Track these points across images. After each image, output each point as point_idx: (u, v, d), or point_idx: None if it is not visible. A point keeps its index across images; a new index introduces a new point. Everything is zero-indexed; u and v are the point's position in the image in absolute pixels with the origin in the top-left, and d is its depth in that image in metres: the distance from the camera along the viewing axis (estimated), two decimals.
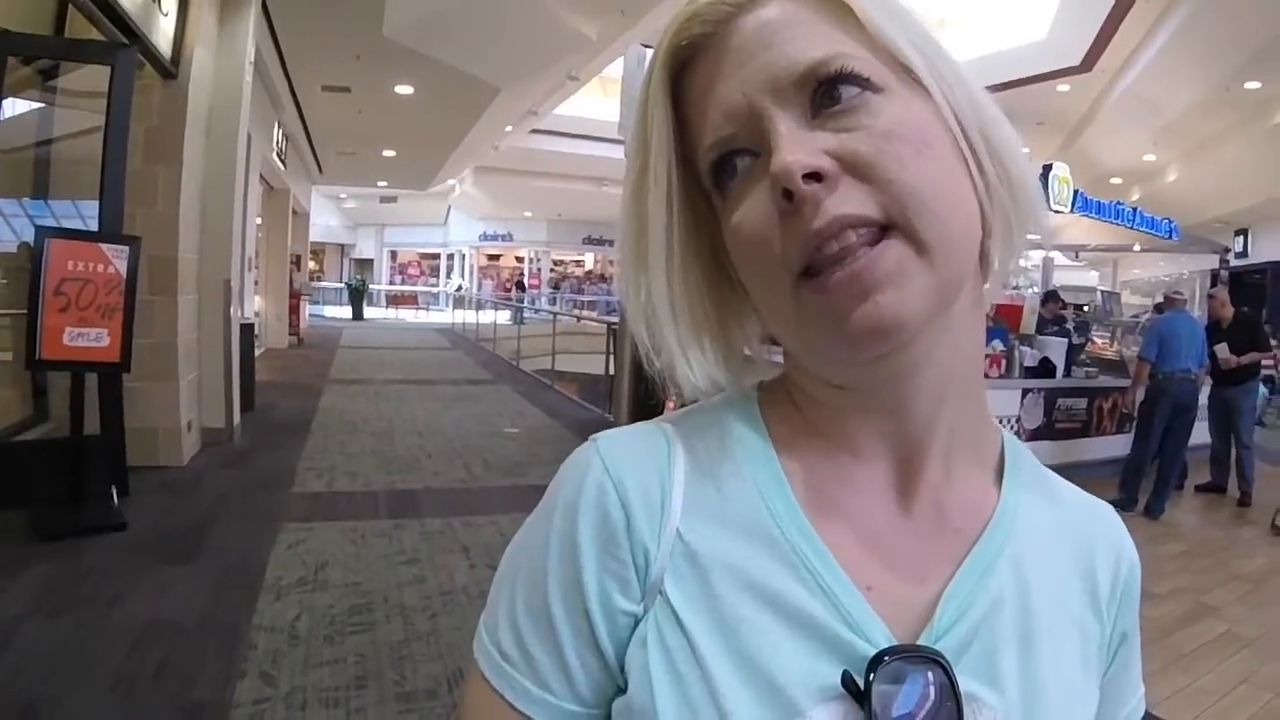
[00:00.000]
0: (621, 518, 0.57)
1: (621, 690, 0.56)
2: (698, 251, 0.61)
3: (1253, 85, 12.60)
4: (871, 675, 0.51)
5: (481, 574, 4.54)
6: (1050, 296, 10.30)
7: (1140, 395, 7.18)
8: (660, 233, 0.58)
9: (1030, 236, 0.59)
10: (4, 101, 4.96)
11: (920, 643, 0.54)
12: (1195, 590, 5.12)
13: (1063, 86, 15.22)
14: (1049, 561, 0.61)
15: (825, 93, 0.52)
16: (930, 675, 0.52)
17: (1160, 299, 8.17)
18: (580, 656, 0.57)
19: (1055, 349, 8.53)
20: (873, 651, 0.52)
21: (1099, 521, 0.67)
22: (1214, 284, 17.11)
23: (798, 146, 0.50)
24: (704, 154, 0.57)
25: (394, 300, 36.38)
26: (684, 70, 0.57)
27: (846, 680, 0.51)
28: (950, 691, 0.52)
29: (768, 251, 0.53)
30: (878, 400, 0.58)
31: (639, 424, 0.64)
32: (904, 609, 0.56)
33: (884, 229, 0.50)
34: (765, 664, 0.53)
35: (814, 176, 0.50)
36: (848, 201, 0.50)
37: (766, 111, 0.53)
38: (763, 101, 0.53)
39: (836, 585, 0.55)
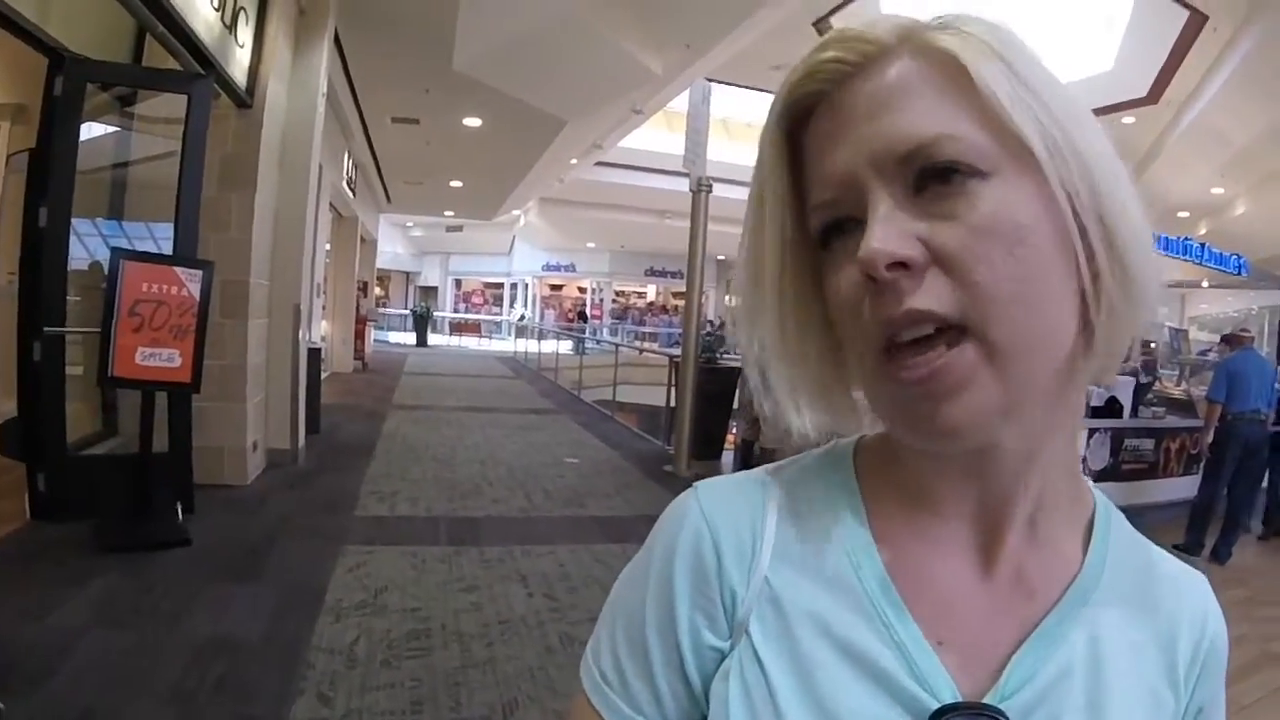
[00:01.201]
0: (714, 561, 0.62)
1: (703, 718, 0.61)
2: (811, 301, 0.61)
3: None
4: None
5: (539, 603, 4.52)
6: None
7: (1210, 437, 6.98)
8: (773, 281, 0.60)
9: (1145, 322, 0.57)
10: (82, 125, 5.10)
11: (986, 702, 0.55)
12: (1259, 639, 4.94)
13: (1128, 119, 14.96)
14: (1128, 630, 0.61)
15: (930, 174, 0.52)
16: None
17: (1228, 335, 7.93)
18: (670, 684, 0.62)
19: (1123, 388, 8.36)
20: (936, 705, 0.54)
21: (1187, 591, 0.66)
22: None
23: (889, 234, 0.51)
24: (813, 210, 0.58)
25: (457, 328, 36.78)
26: (802, 123, 0.58)
27: None
28: None
29: (857, 320, 0.54)
30: (960, 465, 0.59)
31: (739, 474, 0.68)
32: (973, 668, 0.57)
33: (961, 330, 0.51)
34: (834, 706, 0.56)
35: (901, 265, 0.50)
36: (926, 296, 0.51)
37: (868, 185, 0.53)
38: (866, 174, 0.53)
39: (908, 639, 0.57)
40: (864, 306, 0.53)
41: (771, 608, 0.60)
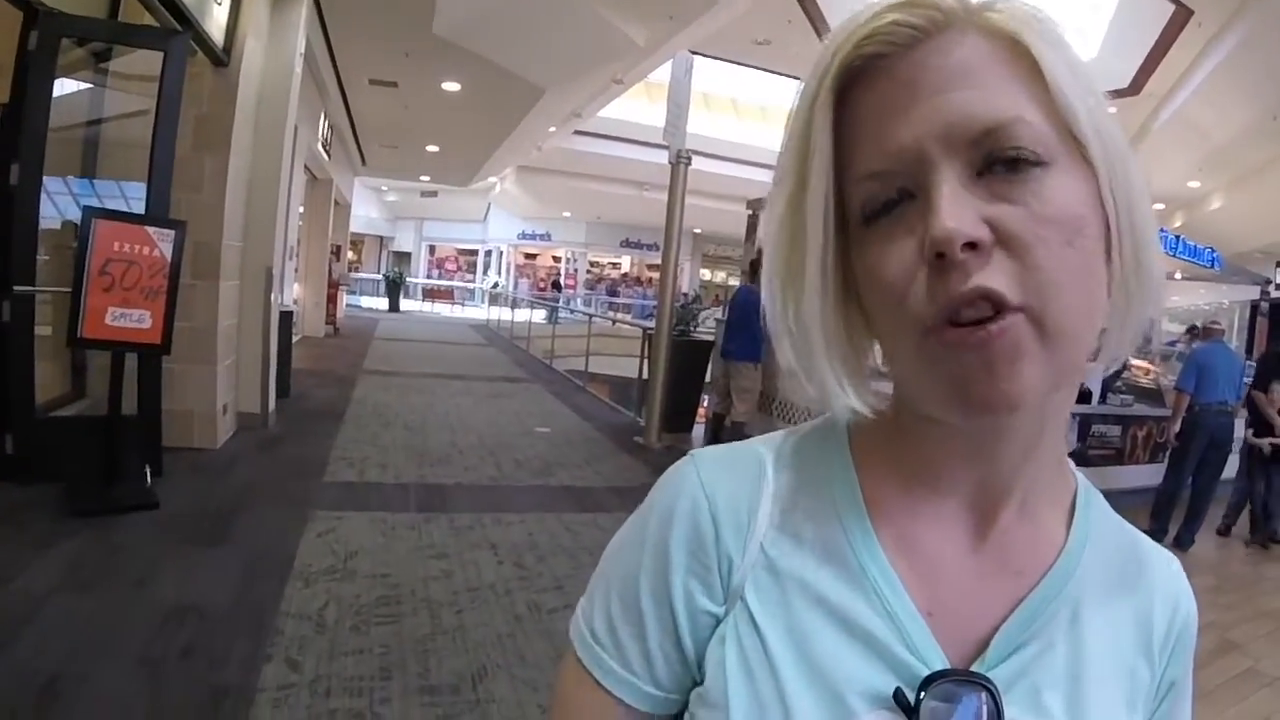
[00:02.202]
0: (710, 530, 0.63)
1: (698, 682, 0.63)
2: (844, 273, 0.60)
3: None
4: (922, 693, 0.55)
5: (508, 571, 4.54)
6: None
7: (1177, 427, 7.06)
8: (817, 254, 0.58)
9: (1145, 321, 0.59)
10: (56, 82, 5.02)
11: (974, 670, 0.58)
12: (1221, 626, 5.07)
13: (1109, 109, 15.02)
14: (1107, 606, 0.64)
15: (997, 159, 0.52)
16: (983, 700, 0.56)
17: (1192, 326, 7.99)
18: (662, 647, 0.63)
19: (1093, 375, 8.40)
20: (926, 671, 0.56)
21: (1162, 571, 0.69)
22: (1254, 316, 16.88)
23: (960, 212, 0.50)
24: (858, 180, 0.56)
25: (430, 294, 36.59)
26: (849, 87, 0.56)
27: (898, 695, 0.56)
28: (997, 717, 0.56)
29: (904, 299, 0.53)
30: (969, 443, 0.60)
31: (736, 444, 0.70)
32: (960, 639, 0.59)
33: (1018, 311, 0.51)
34: (828, 670, 0.58)
35: (970, 245, 0.50)
36: (992, 275, 0.50)
37: (933, 161, 0.52)
38: (932, 150, 0.52)
39: (900, 609, 0.59)
40: (915, 287, 0.52)
41: (768, 575, 0.61)
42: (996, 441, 0.59)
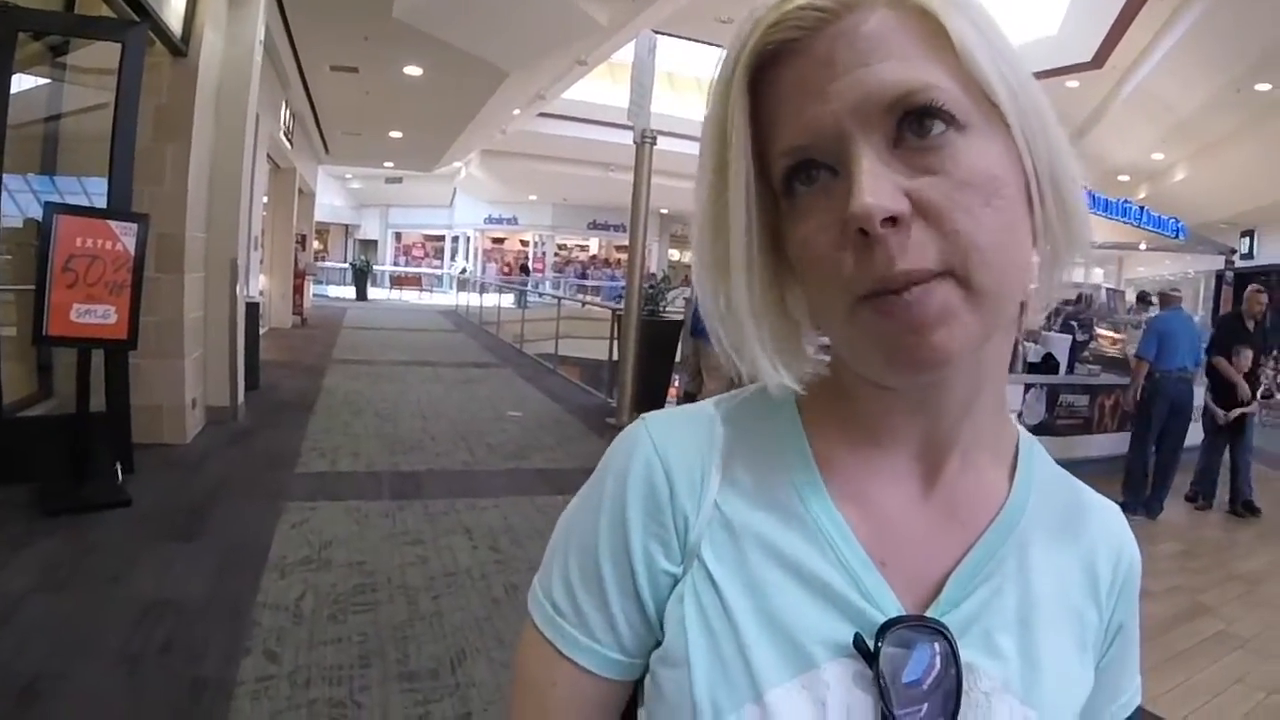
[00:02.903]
0: (665, 489, 0.64)
1: (659, 643, 0.63)
2: (771, 252, 0.61)
3: (1263, 87, 12.50)
4: (880, 639, 0.57)
5: (484, 555, 4.56)
6: (1080, 298, 10.39)
7: (1136, 394, 7.11)
8: (741, 236, 0.59)
9: (1080, 258, 0.62)
10: (13, 77, 4.95)
11: (927, 615, 0.59)
12: (1191, 589, 5.15)
13: (1072, 83, 15.14)
14: (1052, 552, 0.65)
15: (911, 125, 0.53)
16: (936, 646, 0.58)
17: (1144, 292, 8.06)
18: (624, 610, 0.64)
19: (1059, 345, 8.53)
20: (883, 619, 0.58)
21: (1103, 518, 0.71)
22: (1219, 285, 17.08)
23: (879, 187, 0.51)
24: (778, 157, 0.57)
25: (398, 281, 36.35)
26: (765, 69, 0.57)
27: (858, 642, 0.57)
28: (952, 660, 0.57)
29: (834, 272, 0.54)
30: (910, 400, 0.62)
31: (685, 406, 0.71)
32: (913, 587, 0.61)
33: (944, 275, 0.52)
34: (787, 622, 0.59)
35: (890, 220, 0.51)
36: (914, 254, 0.52)
37: (850, 135, 0.53)
38: (847, 123, 0.53)
39: (854, 560, 0.60)
40: (842, 260, 0.53)
41: (723, 532, 0.62)
42: (936, 396, 0.61)
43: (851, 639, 0.57)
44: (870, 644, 0.57)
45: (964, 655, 0.58)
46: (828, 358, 0.67)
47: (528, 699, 0.68)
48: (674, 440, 0.66)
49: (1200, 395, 7.49)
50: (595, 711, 0.67)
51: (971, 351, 0.55)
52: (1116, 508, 0.73)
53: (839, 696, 0.57)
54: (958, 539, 0.63)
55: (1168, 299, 7.48)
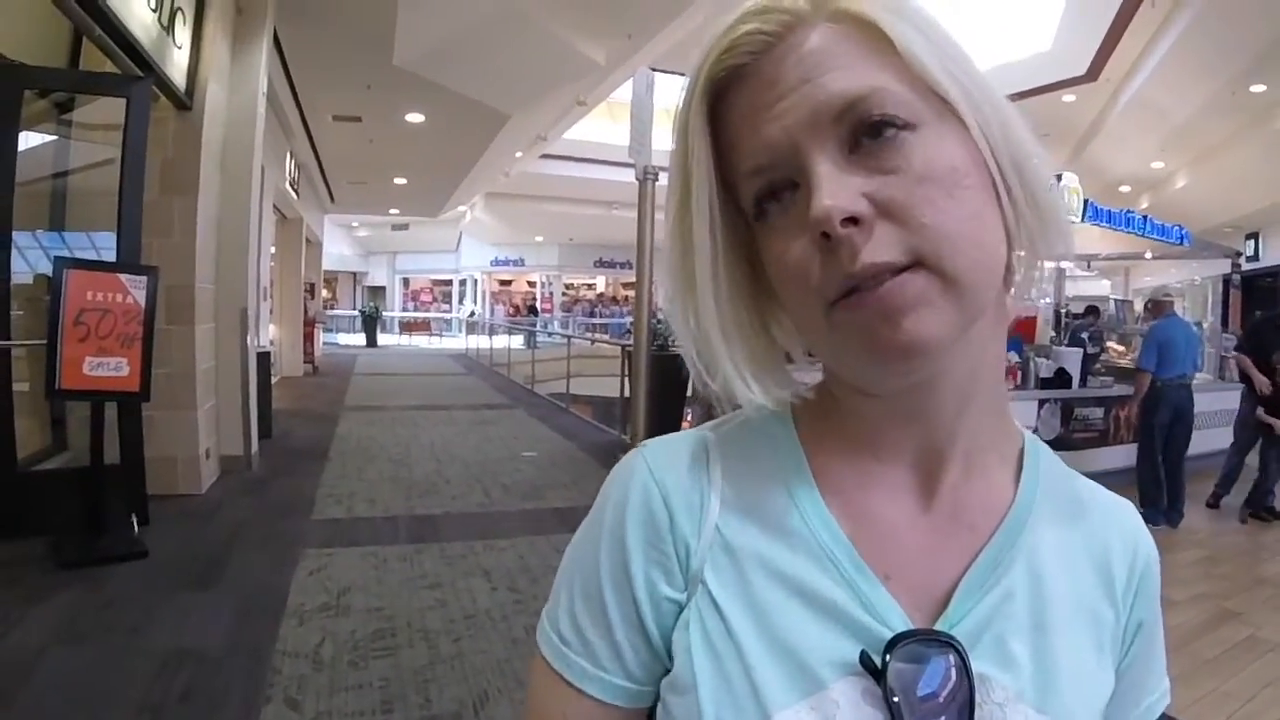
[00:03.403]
0: (665, 517, 0.64)
1: (668, 670, 0.63)
2: (742, 272, 0.63)
3: (1258, 89, 12.53)
4: (888, 655, 0.56)
5: (503, 597, 4.52)
6: (1090, 310, 10.38)
7: (1138, 406, 7.07)
8: (706, 258, 0.61)
9: (1056, 258, 0.63)
10: (19, 135, 5.00)
11: (936, 628, 0.59)
12: (1217, 596, 5.10)
13: (1068, 97, 15.20)
14: (1064, 554, 0.65)
15: (863, 130, 0.54)
16: (951, 659, 0.57)
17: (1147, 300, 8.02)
18: (629, 638, 0.63)
19: (1070, 359, 8.50)
20: (889, 634, 0.57)
21: (1116, 516, 0.70)
22: (1227, 289, 17.02)
23: (836, 190, 0.52)
24: (743, 180, 0.59)
25: (407, 327, 36.48)
26: (722, 96, 0.59)
27: (864, 659, 0.57)
28: (965, 672, 0.57)
29: (806, 282, 0.56)
30: (903, 408, 0.62)
31: (682, 432, 0.71)
32: (921, 599, 0.61)
33: (914, 265, 0.53)
34: (793, 643, 0.58)
35: (851, 220, 0.52)
36: (880, 248, 0.52)
37: (805, 148, 0.54)
38: (801, 137, 0.54)
39: (858, 576, 0.60)
40: (812, 269, 0.55)
41: (724, 555, 0.62)
42: (927, 401, 0.61)
43: (858, 656, 0.57)
44: (877, 661, 0.56)
45: (976, 666, 0.57)
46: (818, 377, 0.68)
47: None
48: (671, 466, 0.66)
49: (1220, 401, 7.39)
50: None
51: (951, 340, 0.55)
52: (1130, 504, 0.73)
53: (849, 715, 0.56)
54: (964, 546, 0.63)
55: (1160, 305, 7.36)
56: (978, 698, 0.56)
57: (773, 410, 0.66)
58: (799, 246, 0.55)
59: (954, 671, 0.56)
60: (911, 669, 0.56)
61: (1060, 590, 0.63)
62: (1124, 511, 0.71)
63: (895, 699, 0.55)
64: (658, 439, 0.70)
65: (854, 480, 0.64)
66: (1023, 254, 0.60)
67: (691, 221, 0.60)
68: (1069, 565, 0.64)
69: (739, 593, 0.60)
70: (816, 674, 0.57)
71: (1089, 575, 0.65)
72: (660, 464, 0.66)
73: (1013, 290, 0.61)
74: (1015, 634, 0.60)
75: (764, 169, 0.57)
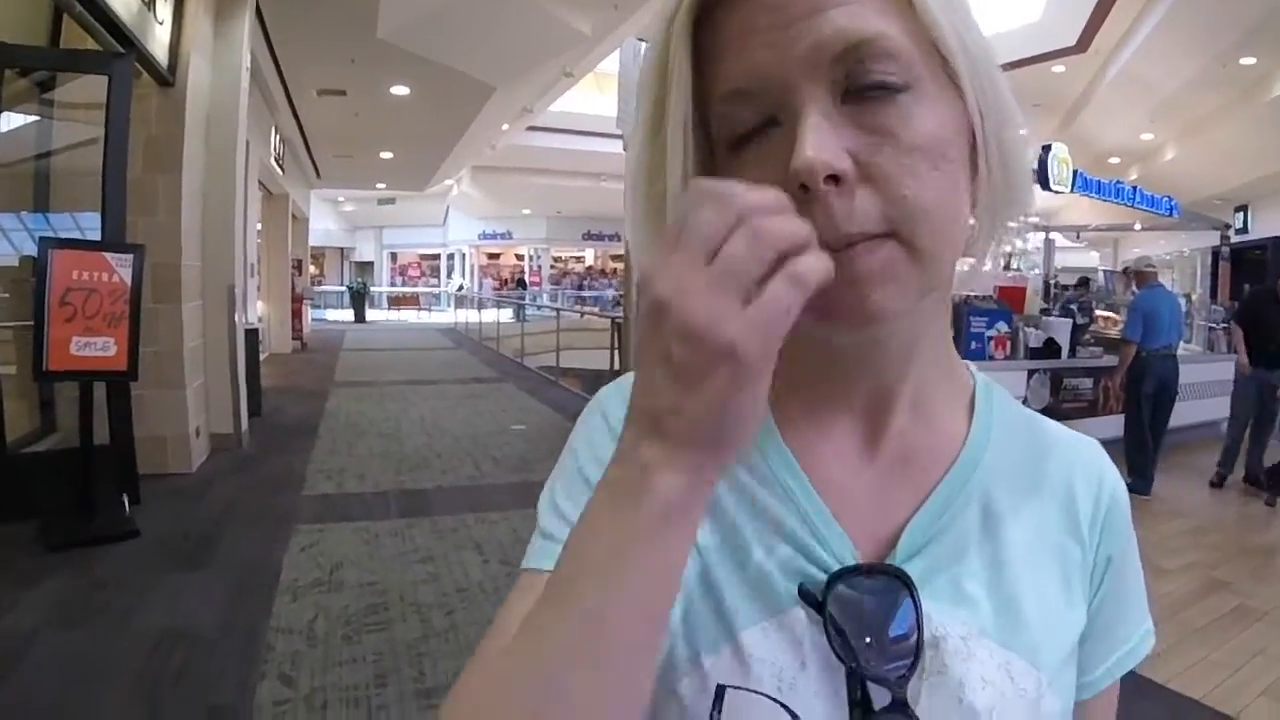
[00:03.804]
0: None
1: None
2: None
3: (1248, 61, 12.49)
4: (830, 588, 0.56)
5: (495, 569, 4.55)
6: (1083, 282, 10.36)
7: (1123, 377, 7.10)
8: (678, 179, 0.57)
9: (1020, 220, 0.61)
10: (1, 115, 4.96)
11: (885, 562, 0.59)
12: (1206, 565, 5.13)
13: (1058, 67, 15.14)
14: (1022, 492, 0.64)
15: (860, 78, 0.51)
16: (909, 598, 0.57)
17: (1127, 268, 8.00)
18: None
19: (1060, 329, 8.51)
20: (838, 566, 0.58)
21: (1079, 452, 0.69)
22: (1216, 261, 17.04)
23: (823, 142, 0.49)
24: (718, 103, 0.55)
25: (395, 302, 36.39)
26: (709, 13, 0.55)
27: (802, 591, 0.57)
28: (913, 608, 0.57)
29: None
30: (850, 358, 0.62)
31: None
32: (872, 538, 0.61)
33: (885, 236, 0.51)
34: (756, 563, 0.60)
35: (832, 178, 0.49)
36: (858, 217, 0.50)
37: (797, 84, 0.51)
38: (795, 71, 0.51)
39: (813, 511, 0.61)
40: None
41: None
42: (875, 352, 0.61)
43: (797, 588, 0.58)
44: (818, 594, 0.56)
45: (930, 604, 0.57)
46: None
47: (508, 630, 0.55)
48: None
49: (1189, 373, 7.39)
50: None
51: (904, 312, 0.54)
52: (1093, 441, 0.71)
53: (814, 638, 0.57)
54: (914, 489, 0.63)
55: (1143, 276, 7.33)
56: (932, 634, 0.57)
57: None
58: (770, 185, 0.50)
59: (914, 610, 0.57)
60: (857, 600, 0.56)
61: (1022, 529, 0.62)
62: (1087, 447, 0.70)
63: (834, 635, 0.55)
64: (623, 377, 0.70)
65: (807, 425, 0.64)
66: (976, 221, 0.59)
67: (665, 139, 0.57)
68: (1030, 504, 0.64)
69: (706, 513, 0.56)
70: (778, 595, 0.58)
71: (1052, 512, 0.65)
72: (621, 398, 0.62)
73: (964, 248, 0.59)
74: (970, 575, 0.60)
75: (745, 94, 0.53)
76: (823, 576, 0.58)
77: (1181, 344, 7.50)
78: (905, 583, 0.57)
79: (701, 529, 0.59)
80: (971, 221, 0.58)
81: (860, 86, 0.51)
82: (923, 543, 0.60)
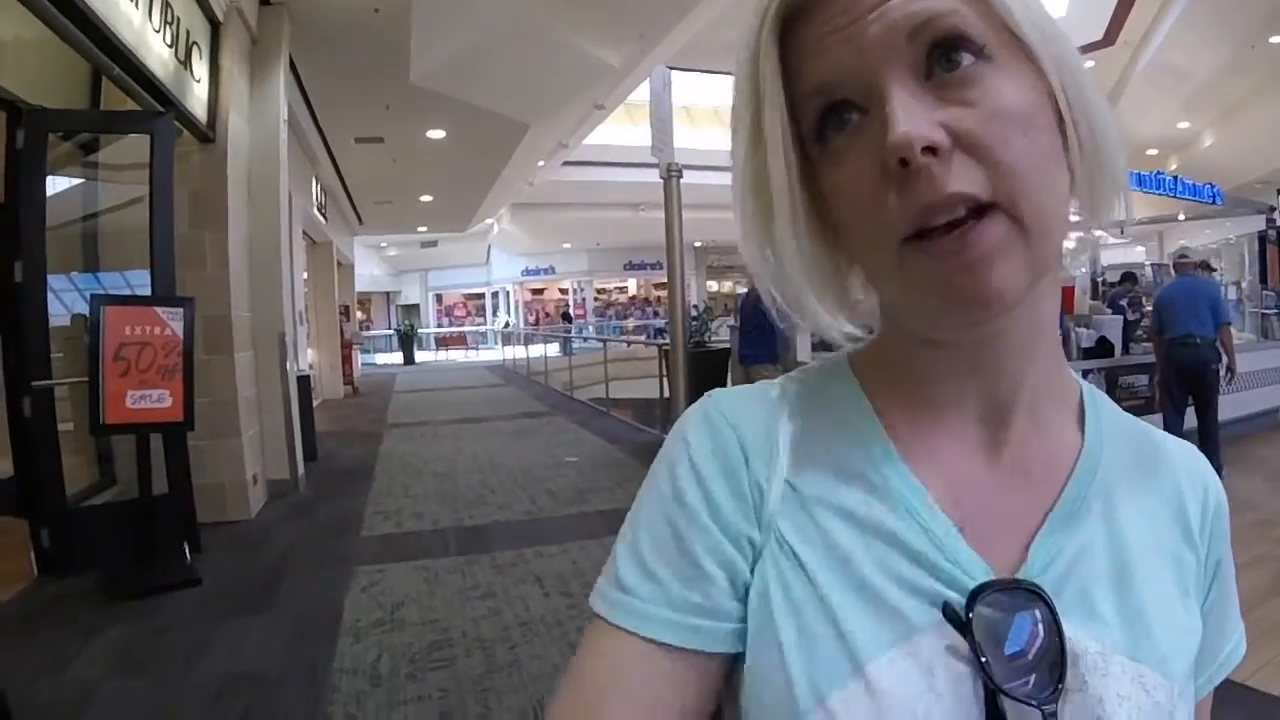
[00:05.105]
0: (739, 456, 0.61)
1: (742, 621, 0.58)
2: (815, 205, 0.60)
3: (1277, 40, 12.33)
4: (972, 607, 0.53)
5: (556, 602, 4.52)
6: (1127, 276, 10.24)
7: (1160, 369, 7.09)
8: (782, 189, 0.58)
9: (1114, 223, 0.60)
10: (48, 179, 5.07)
11: (1019, 578, 0.56)
12: (1277, 559, 4.96)
13: (1088, 62, 14.55)
14: (1137, 499, 0.63)
15: (941, 54, 0.52)
16: (1037, 614, 0.54)
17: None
18: (707, 567, 0.59)
19: (1111, 327, 8.39)
20: (972, 584, 0.55)
21: (1182, 457, 0.69)
22: (1263, 245, 16.70)
23: (914, 117, 0.50)
24: (807, 100, 0.56)
25: (443, 342, 36.71)
26: (789, 27, 0.56)
27: (947, 611, 0.54)
28: (1054, 626, 0.54)
29: (876, 213, 0.53)
30: (968, 360, 0.60)
31: (746, 385, 0.68)
32: (997, 551, 0.58)
33: (989, 206, 0.51)
34: (879, 587, 0.56)
35: (929, 150, 0.50)
36: (960, 178, 0.50)
37: (877, 69, 0.52)
38: (873, 56, 0.52)
39: (935, 525, 0.58)
40: (888, 196, 0.52)
41: (797, 505, 0.60)
42: (994, 352, 0.59)
43: (941, 605, 0.55)
44: (961, 614, 0.53)
45: (1063, 619, 0.55)
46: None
47: (587, 687, 0.59)
48: (743, 412, 0.64)
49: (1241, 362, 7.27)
50: (667, 687, 0.57)
51: (1026, 291, 0.53)
52: (1193, 447, 0.71)
53: (945, 663, 0.54)
54: (1036, 498, 0.61)
55: (1179, 267, 7.36)
56: (1070, 650, 0.54)
57: (833, 362, 0.67)
58: (868, 176, 0.53)
59: (1041, 628, 0.54)
60: (999, 619, 0.54)
61: (1140, 536, 0.61)
62: (1189, 453, 0.69)
63: (984, 659, 0.52)
64: (724, 389, 0.68)
65: (920, 433, 0.62)
66: (1078, 216, 0.58)
67: (765, 150, 0.57)
68: (1145, 510, 0.63)
69: (816, 540, 0.58)
70: (906, 617, 0.55)
71: (1165, 519, 0.64)
72: (732, 409, 0.64)
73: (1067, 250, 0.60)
74: (1098, 585, 0.58)
75: (828, 86, 0.54)
76: (957, 596, 0.55)
77: (1234, 331, 7.34)
78: (1043, 598, 0.55)
79: (810, 549, 0.58)
80: (1074, 207, 0.58)
81: (939, 64, 0.52)
82: (1052, 555, 0.58)
